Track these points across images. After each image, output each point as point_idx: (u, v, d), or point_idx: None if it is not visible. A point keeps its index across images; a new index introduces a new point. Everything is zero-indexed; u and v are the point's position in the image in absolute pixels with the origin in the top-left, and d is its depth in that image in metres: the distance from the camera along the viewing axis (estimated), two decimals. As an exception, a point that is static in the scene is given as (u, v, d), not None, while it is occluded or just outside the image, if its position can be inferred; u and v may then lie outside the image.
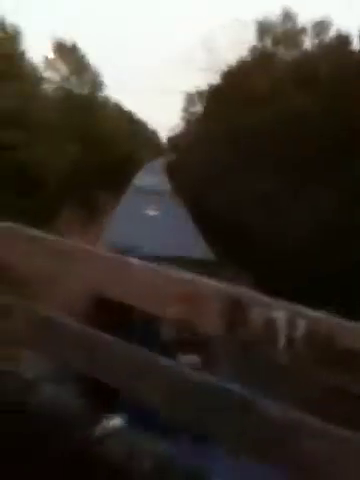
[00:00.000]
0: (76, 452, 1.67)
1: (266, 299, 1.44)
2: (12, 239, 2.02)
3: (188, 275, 1.61)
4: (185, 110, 41.06)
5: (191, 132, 37.29)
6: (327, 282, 12.96)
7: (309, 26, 25.93)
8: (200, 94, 36.04)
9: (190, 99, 39.38)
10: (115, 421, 1.73)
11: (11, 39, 28.24)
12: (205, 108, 34.96)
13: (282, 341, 1.39)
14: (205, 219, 25.13)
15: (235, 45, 27.61)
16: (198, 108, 38.31)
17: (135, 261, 1.72)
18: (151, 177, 39.39)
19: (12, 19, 30.80)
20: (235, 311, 1.46)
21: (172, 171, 45.77)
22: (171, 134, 57.27)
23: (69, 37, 36.48)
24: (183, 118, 41.50)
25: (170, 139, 67.09)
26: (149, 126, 78.90)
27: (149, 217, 17.19)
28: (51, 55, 36.72)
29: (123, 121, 49.01)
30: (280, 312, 1.40)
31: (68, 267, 1.86)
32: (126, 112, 58.64)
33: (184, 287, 1.58)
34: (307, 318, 1.36)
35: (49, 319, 1.94)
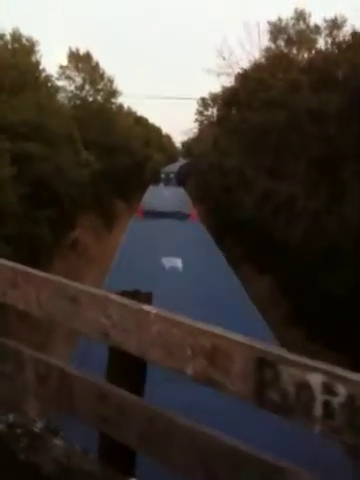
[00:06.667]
0: None
1: (299, 359, 1.27)
2: (23, 281, 1.90)
3: (209, 326, 1.45)
4: (199, 114, 40.77)
5: (205, 136, 37.13)
6: (351, 290, 12.65)
7: (323, 25, 25.57)
8: (214, 98, 35.80)
9: (203, 103, 39.15)
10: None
11: (26, 50, 28.43)
12: (219, 111, 34.74)
13: (318, 408, 1.23)
14: (223, 222, 24.93)
15: (248, 48, 27.38)
16: (212, 112, 38.10)
17: (151, 309, 1.57)
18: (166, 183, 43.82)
19: (26, 29, 30.94)
20: (264, 371, 1.30)
21: (186, 174, 45.86)
22: (185, 138, 57.12)
23: (83, 46, 36.66)
24: (197, 121, 41.17)
25: (184, 143, 66.90)
26: (163, 131, 78.68)
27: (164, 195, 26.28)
28: (65, 64, 36.94)
29: (138, 127, 49.00)
30: (316, 375, 1.23)
31: (79, 312, 1.73)
32: (141, 118, 58.62)
33: (205, 340, 1.43)
34: (348, 382, 1.20)
35: (58, 369, 1.81)
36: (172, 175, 55.74)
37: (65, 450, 1.74)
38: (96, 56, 37.95)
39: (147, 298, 1.71)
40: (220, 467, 1.46)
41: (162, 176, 56.16)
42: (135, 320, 1.58)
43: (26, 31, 29.02)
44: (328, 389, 1.21)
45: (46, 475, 1.68)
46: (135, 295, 1.70)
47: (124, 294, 1.71)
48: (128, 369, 1.70)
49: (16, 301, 1.95)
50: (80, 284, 1.76)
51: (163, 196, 27.29)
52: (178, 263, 10.71)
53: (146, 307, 1.58)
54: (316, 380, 1.22)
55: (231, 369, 1.36)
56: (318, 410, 1.22)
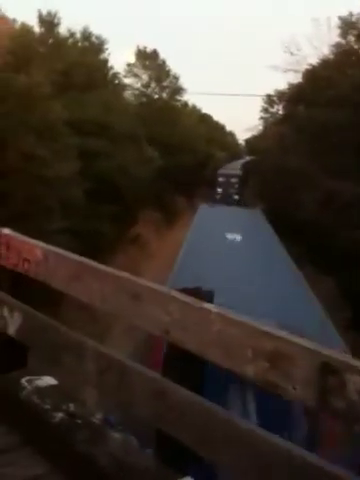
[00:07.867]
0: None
1: (366, 366, 1.22)
2: (88, 275, 1.94)
3: (271, 328, 1.41)
4: (264, 111, 40.22)
5: (270, 133, 36.59)
6: None
7: None
8: (280, 95, 35.19)
9: (269, 100, 38.56)
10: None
11: (94, 49, 29.15)
12: (285, 109, 34.15)
13: (386, 420, 1.17)
14: (284, 224, 24.49)
15: (317, 44, 26.70)
16: (277, 109, 37.49)
17: (212, 307, 1.56)
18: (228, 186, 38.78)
19: (96, 28, 31.63)
20: (328, 378, 1.26)
21: (249, 174, 45.06)
22: (249, 136, 56.28)
23: (150, 43, 37.05)
24: (262, 119, 40.62)
25: (248, 141, 66.09)
26: (227, 128, 78.21)
27: (229, 242, 13.31)
28: (132, 62, 37.52)
29: (202, 125, 49.01)
30: (383, 384, 1.17)
31: (141, 308, 1.74)
32: (205, 115, 58.62)
33: (266, 342, 1.39)
34: None
35: (119, 362, 1.82)
36: (234, 180, 41.50)
37: (122, 444, 1.76)
38: (162, 54, 38.30)
39: (209, 296, 1.70)
40: (275, 471, 1.42)
41: (220, 180, 40.46)
42: (196, 318, 1.57)
43: (94, 29, 29.62)
44: None
45: (102, 468, 1.70)
46: (197, 293, 1.69)
47: (185, 291, 1.70)
48: (187, 367, 1.70)
49: (80, 294, 1.99)
50: (142, 280, 1.77)
51: (226, 250, 13.41)
52: None
53: (207, 306, 1.57)
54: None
55: (293, 373, 1.32)
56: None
